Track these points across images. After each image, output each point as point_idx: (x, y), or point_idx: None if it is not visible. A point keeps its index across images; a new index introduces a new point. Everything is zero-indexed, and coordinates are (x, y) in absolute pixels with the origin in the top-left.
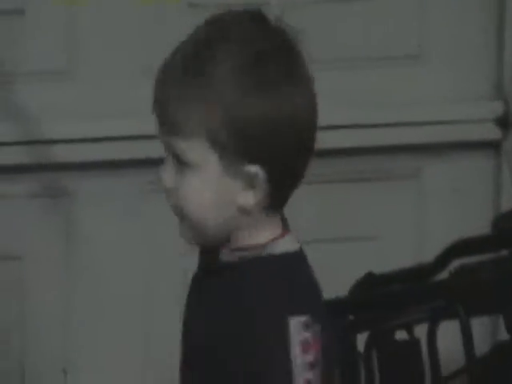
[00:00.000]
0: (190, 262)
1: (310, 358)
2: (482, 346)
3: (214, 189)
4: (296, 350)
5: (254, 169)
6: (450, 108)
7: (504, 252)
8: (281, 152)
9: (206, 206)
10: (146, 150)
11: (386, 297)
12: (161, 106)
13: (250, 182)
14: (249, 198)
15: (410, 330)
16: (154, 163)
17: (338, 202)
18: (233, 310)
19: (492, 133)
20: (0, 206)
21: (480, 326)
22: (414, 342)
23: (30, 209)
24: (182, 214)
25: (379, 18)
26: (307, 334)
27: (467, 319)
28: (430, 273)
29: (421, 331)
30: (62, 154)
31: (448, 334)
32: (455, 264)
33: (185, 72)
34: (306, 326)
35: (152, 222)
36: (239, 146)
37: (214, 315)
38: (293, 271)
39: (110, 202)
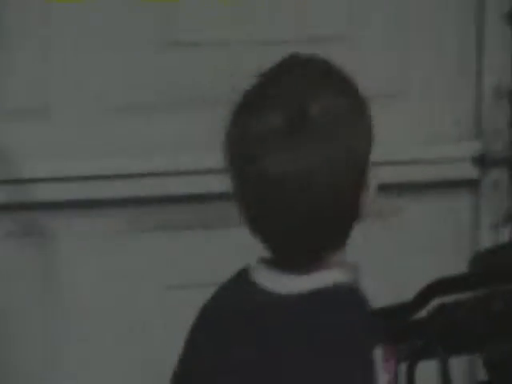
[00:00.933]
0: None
1: None
2: None
3: None
4: None
5: None
6: (426, 147)
7: (482, 291)
8: None
9: None
10: (124, 189)
11: None
12: None
13: None
14: None
15: None
16: (131, 202)
17: None
18: None
19: (469, 172)
20: None
21: (459, 366)
22: None
23: (7, 249)
24: None
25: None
26: None
27: (446, 359)
28: (408, 312)
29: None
30: (38, 193)
31: (426, 373)
32: (434, 303)
33: None
34: None
35: (130, 261)
36: None
37: None
38: None
39: (89, 242)
